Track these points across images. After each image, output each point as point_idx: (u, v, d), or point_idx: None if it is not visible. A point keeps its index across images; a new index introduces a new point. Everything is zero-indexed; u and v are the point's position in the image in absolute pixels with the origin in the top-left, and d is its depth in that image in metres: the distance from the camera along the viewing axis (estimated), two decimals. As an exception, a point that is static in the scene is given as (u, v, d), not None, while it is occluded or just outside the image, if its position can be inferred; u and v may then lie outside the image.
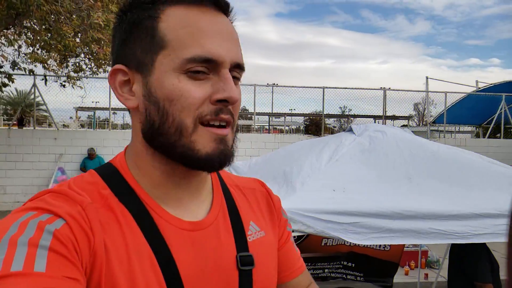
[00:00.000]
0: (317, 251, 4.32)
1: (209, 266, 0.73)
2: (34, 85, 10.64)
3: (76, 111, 16.91)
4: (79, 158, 10.37)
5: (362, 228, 2.45)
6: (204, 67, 0.68)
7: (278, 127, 23.97)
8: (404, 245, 4.65)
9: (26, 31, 8.05)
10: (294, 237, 3.87)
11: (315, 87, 13.62)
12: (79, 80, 9.11)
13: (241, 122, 26.10)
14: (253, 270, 0.78)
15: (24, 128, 12.22)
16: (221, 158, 0.70)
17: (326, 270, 4.50)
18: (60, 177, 9.80)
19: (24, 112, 13.64)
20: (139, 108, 0.71)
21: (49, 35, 6.79)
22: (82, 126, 18.45)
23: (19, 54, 8.25)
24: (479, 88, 16.36)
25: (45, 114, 14.70)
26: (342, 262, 4.47)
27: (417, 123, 32.84)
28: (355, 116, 19.79)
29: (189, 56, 0.67)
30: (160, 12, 0.70)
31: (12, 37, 7.06)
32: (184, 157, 0.69)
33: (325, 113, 13.77)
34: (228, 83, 0.69)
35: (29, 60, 7.94)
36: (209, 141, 0.69)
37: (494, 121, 14.68)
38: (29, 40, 7.50)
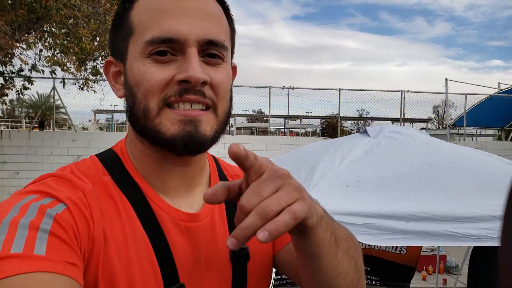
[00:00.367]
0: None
1: (204, 258, 0.73)
2: (54, 88, 10.85)
3: (95, 114, 17.18)
4: (96, 159, 10.50)
5: (374, 229, 2.41)
6: (167, 47, 0.66)
7: (294, 129, 23.92)
8: (420, 248, 4.56)
9: (46, 35, 8.24)
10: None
11: (330, 89, 13.56)
12: (97, 83, 9.26)
13: (257, 124, 26.16)
14: (248, 263, 0.77)
15: (44, 130, 12.47)
16: (186, 140, 0.66)
17: (341, 274, 4.45)
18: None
19: (45, 115, 13.94)
20: (125, 97, 0.73)
21: (68, 39, 6.93)
22: (101, 128, 18.72)
23: (40, 58, 8.46)
24: (501, 90, 16.00)
25: (64, 117, 14.98)
26: (357, 265, 4.41)
27: (437, 126, 32.37)
28: (372, 118, 19.62)
29: (149, 38, 0.66)
30: (134, 2, 0.71)
31: (32, 41, 7.22)
32: (155, 140, 0.68)
33: (341, 115, 13.66)
34: (190, 62, 0.65)
35: (48, 64, 8.12)
36: (174, 123, 0.67)
37: (516, 124, 14.36)
38: (47, 44, 7.67)
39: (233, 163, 0.60)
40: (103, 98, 9.95)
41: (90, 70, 8.89)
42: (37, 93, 17.66)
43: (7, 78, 9.12)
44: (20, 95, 9.05)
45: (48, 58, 7.67)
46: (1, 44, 6.44)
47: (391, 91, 14.46)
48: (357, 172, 2.88)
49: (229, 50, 0.74)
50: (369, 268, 4.45)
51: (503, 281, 0.53)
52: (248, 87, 12.69)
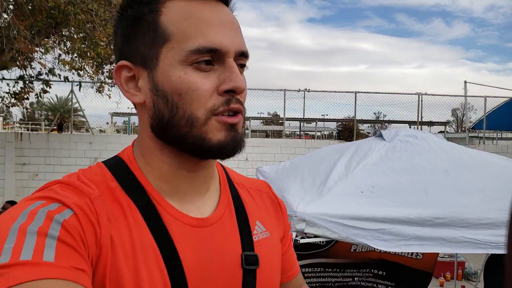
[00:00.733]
0: (346, 257, 4.23)
1: (213, 263, 0.73)
2: (72, 91, 11.02)
3: (112, 117, 17.39)
4: (113, 162, 10.64)
5: (389, 235, 2.37)
6: (209, 57, 0.68)
7: (310, 132, 23.81)
8: (437, 254, 4.48)
9: (64, 40, 8.39)
10: (323, 242, 3.82)
11: (346, 92, 13.46)
12: (114, 86, 9.39)
13: (272, 127, 26.12)
14: (257, 270, 0.77)
15: (62, 132, 12.68)
16: (233, 145, 0.70)
17: (356, 279, 4.40)
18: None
19: (63, 117, 14.17)
20: (146, 103, 0.71)
21: (85, 43, 7.05)
22: (118, 131, 18.93)
23: (58, 62, 8.62)
24: (522, 92, 15.64)
25: (82, 119, 15.20)
26: (372, 270, 4.36)
27: (455, 129, 31.87)
28: (389, 121, 19.40)
29: (194, 48, 0.67)
30: (161, 6, 0.70)
31: (50, 45, 7.36)
32: (196, 147, 0.70)
33: (357, 118, 13.55)
34: (234, 72, 0.69)
35: (66, 67, 8.27)
36: (220, 130, 0.69)
37: (538, 127, 14.02)
38: (65, 48, 7.80)
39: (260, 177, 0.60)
40: (120, 101, 10.09)
41: (107, 73, 9.02)
42: (56, 96, 17.97)
43: (27, 82, 9.31)
44: (39, 98, 9.23)
45: (63, 61, 7.81)
46: (21, 49, 6.58)
47: (408, 94, 14.27)
48: (372, 177, 2.84)
49: None
50: (384, 273, 4.38)
51: (509, 287, 0.51)
52: (264, 90, 12.70)
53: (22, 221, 0.59)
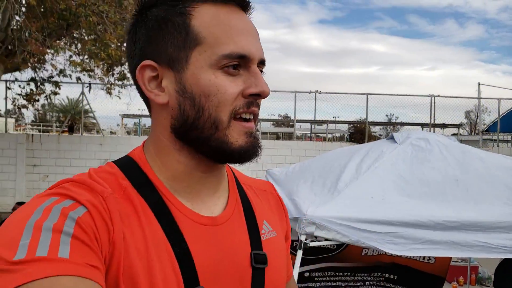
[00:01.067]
0: (357, 261, 4.17)
1: (223, 261, 0.74)
2: (82, 93, 11.12)
3: (122, 118, 17.50)
4: (123, 163, 10.71)
5: (400, 238, 2.33)
6: (237, 62, 0.71)
7: (321, 134, 23.73)
8: (450, 258, 4.40)
9: (75, 42, 8.46)
10: (333, 246, 3.78)
11: (358, 94, 13.37)
12: (124, 87, 9.43)
13: (283, 129, 26.08)
14: (266, 268, 0.79)
15: (73, 134, 12.79)
16: (254, 150, 0.74)
17: (367, 283, 4.34)
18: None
19: (74, 119, 14.30)
20: (170, 104, 0.73)
21: (96, 44, 7.11)
22: (128, 133, 19.05)
23: (69, 64, 8.70)
24: (537, 94, 15.39)
25: (93, 121, 15.32)
26: (383, 274, 4.29)
27: (469, 132, 31.53)
28: (401, 124, 19.25)
29: (226, 53, 0.70)
30: (191, 10, 0.72)
31: (60, 47, 7.44)
32: (218, 150, 0.72)
33: (369, 120, 13.45)
34: (259, 77, 0.73)
35: (77, 69, 8.33)
36: (240, 134, 0.72)
37: (553, 129, 13.81)
38: (76, 50, 7.87)
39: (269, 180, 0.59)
40: (130, 103, 10.14)
41: (117, 75, 9.06)
42: (67, 97, 18.13)
43: (38, 84, 9.41)
44: (50, 100, 9.32)
45: (73, 62, 7.88)
46: (33, 50, 6.66)
47: (421, 95, 14.16)
48: (383, 180, 2.80)
49: None
50: (396, 277, 4.32)
51: None
52: (274, 92, 12.67)
53: (37, 217, 0.60)
